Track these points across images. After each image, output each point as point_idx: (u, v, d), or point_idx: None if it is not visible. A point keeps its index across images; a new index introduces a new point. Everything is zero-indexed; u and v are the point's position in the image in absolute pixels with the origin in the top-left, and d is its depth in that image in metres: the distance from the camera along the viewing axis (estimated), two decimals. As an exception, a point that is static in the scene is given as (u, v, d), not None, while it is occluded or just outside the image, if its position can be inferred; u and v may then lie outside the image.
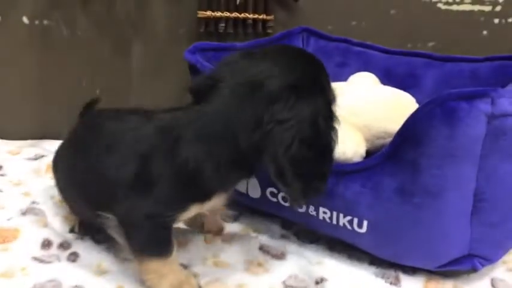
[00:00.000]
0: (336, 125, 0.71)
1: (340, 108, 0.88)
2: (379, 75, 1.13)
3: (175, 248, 0.75)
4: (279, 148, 0.65)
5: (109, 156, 0.74)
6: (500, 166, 0.75)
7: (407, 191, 0.76)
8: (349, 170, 0.81)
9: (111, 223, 0.73)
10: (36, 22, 1.24)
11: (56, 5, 1.24)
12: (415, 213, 0.76)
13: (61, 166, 0.85)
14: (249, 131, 0.66)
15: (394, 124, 0.83)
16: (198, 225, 0.92)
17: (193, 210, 0.74)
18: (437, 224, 0.76)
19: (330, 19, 1.34)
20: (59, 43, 1.27)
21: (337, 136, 0.70)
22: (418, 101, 1.07)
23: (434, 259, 0.80)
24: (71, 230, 0.89)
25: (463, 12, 1.37)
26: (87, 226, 0.88)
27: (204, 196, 0.72)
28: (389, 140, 0.85)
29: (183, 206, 0.72)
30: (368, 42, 1.29)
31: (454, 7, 1.37)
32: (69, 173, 0.82)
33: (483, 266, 0.81)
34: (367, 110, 0.87)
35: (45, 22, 1.25)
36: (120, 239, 0.74)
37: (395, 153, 0.77)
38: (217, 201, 0.76)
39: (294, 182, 0.66)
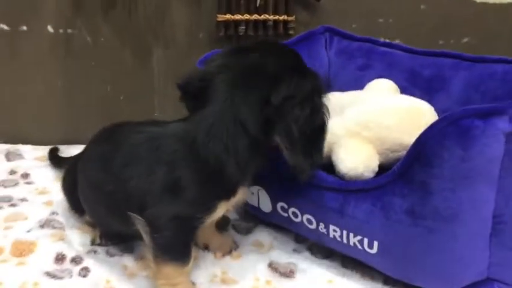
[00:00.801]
0: (327, 107, 0.76)
1: (352, 120, 0.85)
2: (403, 77, 1.08)
3: (192, 261, 0.77)
4: (291, 122, 0.70)
5: (135, 167, 0.76)
6: (521, 187, 0.69)
7: (418, 213, 0.72)
8: (359, 189, 0.78)
9: (140, 222, 0.76)
10: (61, 31, 1.27)
11: (79, 14, 1.25)
12: (427, 236, 0.72)
13: (86, 182, 0.86)
14: (256, 112, 0.71)
15: (410, 136, 0.79)
16: (201, 246, 0.91)
17: (220, 210, 0.76)
18: (451, 247, 0.72)
19: (355, 17, 1.29)
20: (83, 50, 1.28)
21: (329, 112, 0.76)
22: (445, 108, 1.01)
23: (449, 283, 0.76)
24: (93, 242, 0.91)
25: (501, 5, 1.28)
26: (108, 237, 0.91)
27: (229, 192, 0.76)
28: (404, 152, 0.80)
29: (211, 206, 0.75)
30: (393, 42, 1.23)
31: (491, 0, 1.28)
32: (95, 188, 0.83)
33: (504, 291, 0.76)
34: (380, 122, 0.83)
35: (69, 30, 1.27)
36: (146, 238, 0.76)
37: (405, 173, 0.73)
38: (240, 197, 0.79)
39: (301, 153, 0.72)
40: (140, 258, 0.87)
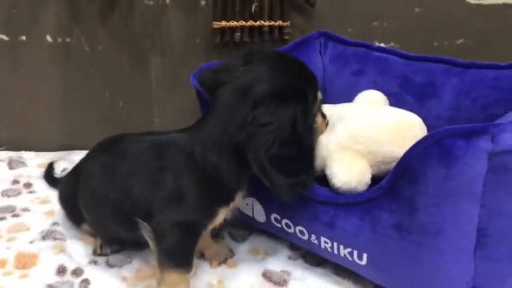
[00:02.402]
0: (314, 130, 0.80)
1: (343, 134, 0.87)
2: (396, 84, 1.10)
3: (193, 268, 0.80)
4: (260, 148, 0.72)
5: (138, 175, 0.80)
6: (504, 202, 0.71)
7: (404, 227, 0.74)
8: (349, 202, 0.80)
9: (146, 228, 0.80)
10: (59, 40, 1.29)
11: (76, 23, 1.27)
12: (414, 250, 0.74)
13: (89, 193, 0.89)
14: (238, 132, 0.74)
15: (400, 149, 0.80)
16: (197, 254, 0.93)
17: (221, 215, 0.80)
18: (437, 260, 0.74)
19: (350, 21, 1.30)
20: (81, 58, 1.30)
21: (316, 136, 0.81)
22: (437, 114, 1.02)
23: (436, 293, 0.78)
24: (94, 252, 0.95)
25: (495, 6, 1.28)
26: (109, 246, 0.95)
27: (228, 198, 0.80)
28: (395, 164, 0.82)
29: (213, 211, 0.79)
30: (387, 47, 1.24)
31: (485, 1, 1.28)
32: (99, 198, 0.86)
33: (489, 300, 0.78)
34: (370, 137, 0.85)
35: (67, 39, 1.29)
36: (151, 244, 0.80)
37: (392, 188, 0.75)
38: (238, 201, 0.83)
39: (279, 178, 0.74)
40: (138, 269, 0.90)
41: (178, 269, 0.79)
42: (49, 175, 1.19)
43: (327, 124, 0.89)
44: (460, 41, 1.32)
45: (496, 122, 0.69)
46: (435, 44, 1.32)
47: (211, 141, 0.77)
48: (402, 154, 0.74)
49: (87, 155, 0.96)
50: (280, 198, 0.77)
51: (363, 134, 0.85)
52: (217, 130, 0.76)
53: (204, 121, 0.80)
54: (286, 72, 0.79)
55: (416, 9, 1.29)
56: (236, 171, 0.77)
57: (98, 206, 0.88)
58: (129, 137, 0.87)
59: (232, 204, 0.81)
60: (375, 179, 0.85)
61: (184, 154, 0.78)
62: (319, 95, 0.84)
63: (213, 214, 0.79)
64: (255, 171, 0.75)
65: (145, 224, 0.79)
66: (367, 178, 0.84)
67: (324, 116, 0.89)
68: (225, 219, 0.84)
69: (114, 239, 0.94)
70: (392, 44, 1.31)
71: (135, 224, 0.80)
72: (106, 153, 0.88)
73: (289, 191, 0.76)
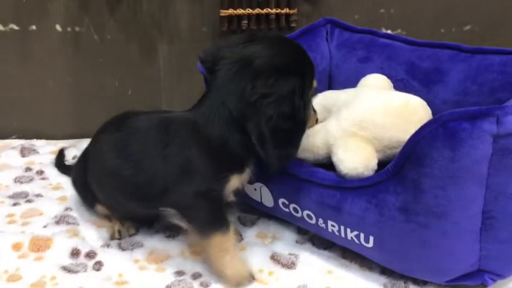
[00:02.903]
0: (309, 105, 0.84)
1: (348, 121, 0.88)
2: (402, 69, 1.10)
3: (231, 225, 0.84)
4: (262, 118, 0.75)
5: (149, 149, 0.83)
6: (509, 184, 0.72)
7: (411, 210, 0.75)
8: (355, 186, 0.82)
9: (170, 213, 0.83)
10: (69, 29, 1.30)
11: (85, 13, 1.29)
12: (420, 232, 0.76)
13: (102, 171, 0.91)
14: (237, 102, 0.78)
15: (405, 133, 0.82)
16: None
17: (233, 182, 0.83)
18: (443, 242, 0.76)
19: (356, 8, 1.30)
20: (91, 47, 1.32)
21: (310, 112, 0.84)
22: (444, 99, 1.03)
23: (442, 274, 0.80)
24: (112, 237, 0.97)
25: (503, -9, 1.28)
26: (126, 231, 0.97)
27: (238, 166, 0.83)
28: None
29: (224, 177, 0.82)
30: (394, 34, 1.25)
31: (493, -14, 1.28)
32: (113, 175, 0.88)
33: (494, 281, 0.80)
34: (375, 122, 0.85)
35: (76, 29, 1.30)
36: (183, 224, 0.83)
37: (398, 172, 0.76)
38: (249, 170, 0.85)
39: (271, 148, 0.77)
40: (150, 252, 0.93)
41: (219, 230, 0.82)
42: (60, 162, 1.21)
43: (316, 120, 0.91)
44: (467, 27, 1.32)
45: (501, 105, 0.70)
46: (442, 30, 1.32)
47: (211, 113, 0.80)
48: (407, 138, 0.75)
49: (96, 132, 0.98)
50: (269, 168, 0.80)
51: (368, 120, 0.86)
52: (217, 102, 0.80)
53: (204, 96, 0.83)
54: (287, 52, 0.82)
55: (423, -4, 1.30)
56: (239, 140, 0.80)
57: (111, 184, 0.90)
58: (136, 115, 0.90)
59: (243, 175, 0.84)
60: (381, 164, 0.87)
61: (188, 128, 0.81)
62: (315, 83, 0.86)
63: (224, 180, 0.82)
64: (253, 140, 0.78)
65: (169, 209, 0.82)
66: (373, 164, 0.85)
67: (314, 111, 0.89)
68: (233, 202, 0.87)
69: (129, 216, 0.96)
70: (399, 31, 1.32)
71: (152, 201, 0.84)
72: (116, 130, 0.90)
73: (276, 162, 0.79)
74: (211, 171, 0.81)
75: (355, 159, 0.83)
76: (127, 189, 0.87)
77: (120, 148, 0.87)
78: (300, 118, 0.79)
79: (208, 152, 0.80)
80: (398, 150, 0.86)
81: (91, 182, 0.95)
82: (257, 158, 0.83)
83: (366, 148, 0.85)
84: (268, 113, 0.75)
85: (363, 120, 0.86)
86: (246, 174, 0.85)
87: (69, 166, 1.18)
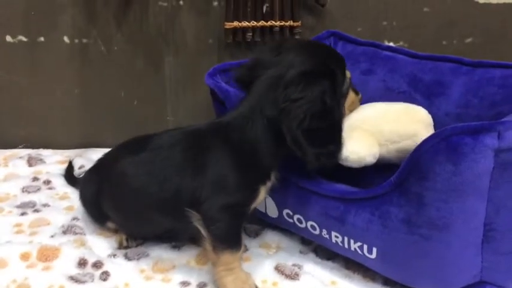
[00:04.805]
0: (345, 100, 0.89)
1: (353, 118, 0.90)
2: (405, 82, 1.12)
3: (243, 246, 0.87)
4: (293, 122, 0.79)
5: (177, 168, 0.86)
6: (510, 197, 0.74)
7: (413, 222, 0.77)
8: (359, 198, 0.83)
9: (195, 217, 0.84)
10: (76, 41, 1.32)
11: (93, 25, 1.31)
12: (422, 244, 0.77)
13: (123, 190, 0.92)
14: (271, 109, 0.82)
15: (406, 126, 0.88)
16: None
17: (261, 194, 0.85)
18: (445, 254, 0.77)
19: (359, 21, 1.32)
20: (98, 59, 1.34)
21: (343, 109, 0.88)
22: (445, 112, 1.05)
23: (444, 286, 0.81)
24: (120, 245, 0.98)
25: (504, 5, 1.30)
26: (134, 240, 0.99)
27: (265, 176, 0.85)
28: (404, 143, 0.88)
29: (253, 190, 0.84)
30: (396, 46, 1.26)
31: (494, 0, 1.30)
32: (137, 193, 0.89)
33: (496, 292, 0.80)
34: (377, 117, 0.90)
35: (84, 40, 1.32)
36: (203, 231, 0.84)
37: (401, 184, 0.77)
38: (273, 179, 0.87)
39: (308, 148, 0.79)
40: (155, 262, 0.94)
41: (230, 249, 0.84)
42: (69, 174, 1.22)
43: (360, 99, 0.95)
44: (469, 39, 1.34)
45: (503, 120, 0.72)
46: (444, 42, 1.34)
47: (247, 123, 0.83)
48: (407, 132, 0.82)
49: (111, 158, 0.98)
50: (308, 166, 0.82)
51: (370, 116, 0.90)
52: (252, 111, 0.83)
53: (236, 109, 0.86)
54: (313, 56, 0.86)
55: (425, 9, 1.32)
56: (272, 149, 0.83)
57: (132, 202, 0.91)
58: (159, 134, 0.92)
59: (268, 183, 0.86)
60: (387, 166, 0.88)
61: (220, 139, 0.84)
62: (348, 74, 0.90)
63: (255, 192, 0.84)
64: (288, 143, 0.80)
65: (193, 212, 0.84)
66: (375, 150, 0.87)
67: (356, 93, 0.95)
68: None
69: (142, 235, 0.98)
70: (401, 43, 1.34)
71: (180, 214, 0.85)
72: (140, 151, 0.90)
73: (314, 160, 0.80)
74: (243, 184, 0.83)
75: (358, 143, 0.86)
76: (155, 206, 0.88)
77: (145, 167, 0.88)
78: (334, 116, 0.82)
79: (239, 164, 0.83)
80: (400, 144, 0.90)
81: (108, 208, 0.96)
82: (286, 160, 0.86)
83: (369, 138, 0.88)
84: (299, 116, 0.78)
85: (367, 115, 0.91)
86: (271, 182, 0.87)
87: (76, 179, 1.19)
